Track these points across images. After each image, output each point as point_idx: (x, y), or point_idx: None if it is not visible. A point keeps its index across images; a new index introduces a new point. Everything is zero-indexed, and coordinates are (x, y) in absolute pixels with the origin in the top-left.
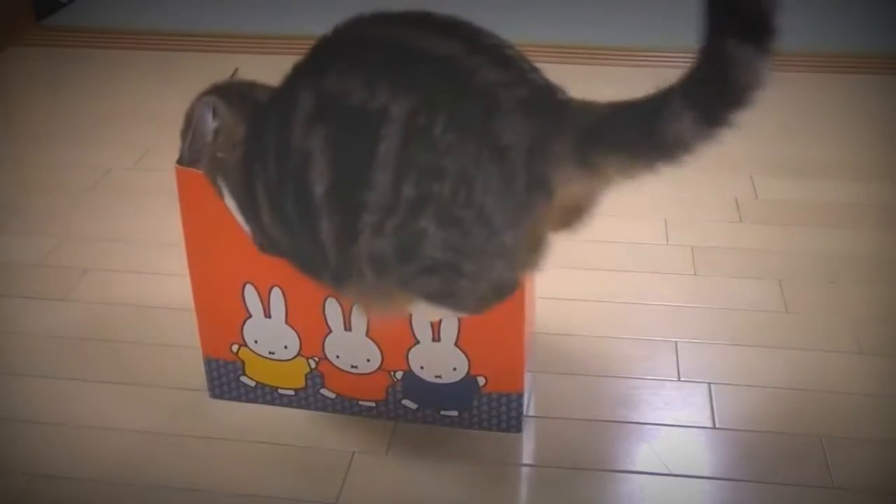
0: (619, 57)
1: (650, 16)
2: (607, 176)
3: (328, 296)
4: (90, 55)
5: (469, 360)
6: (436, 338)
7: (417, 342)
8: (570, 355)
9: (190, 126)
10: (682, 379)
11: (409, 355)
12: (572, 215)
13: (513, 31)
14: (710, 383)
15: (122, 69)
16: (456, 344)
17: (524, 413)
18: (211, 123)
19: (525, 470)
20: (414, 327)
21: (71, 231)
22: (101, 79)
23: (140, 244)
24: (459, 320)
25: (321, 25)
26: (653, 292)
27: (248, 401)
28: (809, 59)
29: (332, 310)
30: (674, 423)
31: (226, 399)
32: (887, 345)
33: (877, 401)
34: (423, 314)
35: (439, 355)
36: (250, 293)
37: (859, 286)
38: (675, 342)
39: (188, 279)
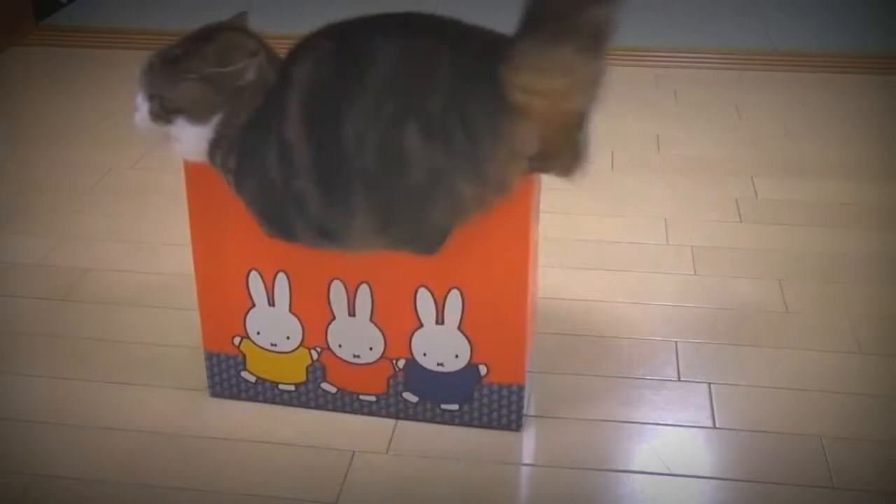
0: (619, 57)
1: (650, 16)
2: (558, 61)
3: (333, 278)
4: (90, 55)
5: (471, 346)
6: (439, 320)
7: (421, 325)
8: (570, 355)
9: (206, 43)
10: (682, 379)
11: (413, 340)
12: (562, 125)
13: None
14: (710, 383)
15: (122, 69)
16: (459, 328)
17: (524, 412)
18: (251, 76)
19: (525, 470)
20: (418, 309)
21: (71, 231)
22: (101, 79)
23: (140, 244)
24: (463, 303)
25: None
26: (653, 292)
27: (249, 397)
28: (809, 59)
29: (337, 294)
30: (674, 423)
31: (226, 396)
32: (887, 345)
33: (877, 401)
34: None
35: (442, 340)
36: (255, 280)
37: (859, 286)
38: (675, 342)
39: (188, 279)
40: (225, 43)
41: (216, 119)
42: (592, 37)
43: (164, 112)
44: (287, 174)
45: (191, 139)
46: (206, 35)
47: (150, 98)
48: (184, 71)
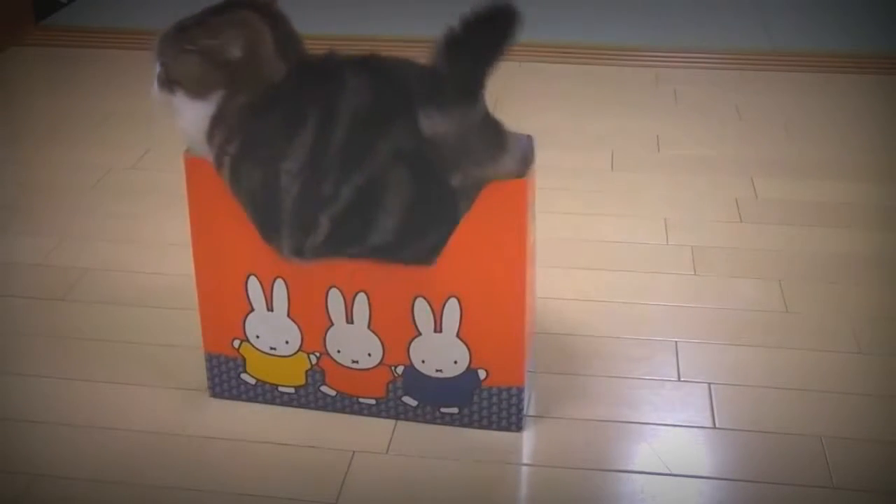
0: (620, 57)
1: (650, 16)
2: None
3: (331, 286)
4: (90, 55)
5: (470, 352)
6: (437, 329)
7: (419, 333)
8: (570, 355)
9: (214, 16)
10: (682, 379)
11: (411, 348)
12: None
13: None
14: (710, 383)
15: (122, 69)
16: (457, 335)
17: (524, 412)
18: (235, 53)
19: (525, 470)
20: (416, 318)
21: (71, 231)
22: (101, 79)
23: (140, 244)
24: (461, 310)
25: (321, 25)
26: (653, 292)
27: (249, 399)
28: (809, 59)
29: (335, 301)
30: (674, 423)
31: (226, 397)
32: (887, 345)
33: (877, 401)
34: None
35: (441, 347)
36: (253, 285)
37: (859, 286)
38: (675, 342)
39: (188, 279)
40: (230, 18)
41: (215, 97)
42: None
43: (166, 81)
44: (311, 183)
45: (190, 115)
46: (220, 7)
47: (161, 65)
48: (186, 40)
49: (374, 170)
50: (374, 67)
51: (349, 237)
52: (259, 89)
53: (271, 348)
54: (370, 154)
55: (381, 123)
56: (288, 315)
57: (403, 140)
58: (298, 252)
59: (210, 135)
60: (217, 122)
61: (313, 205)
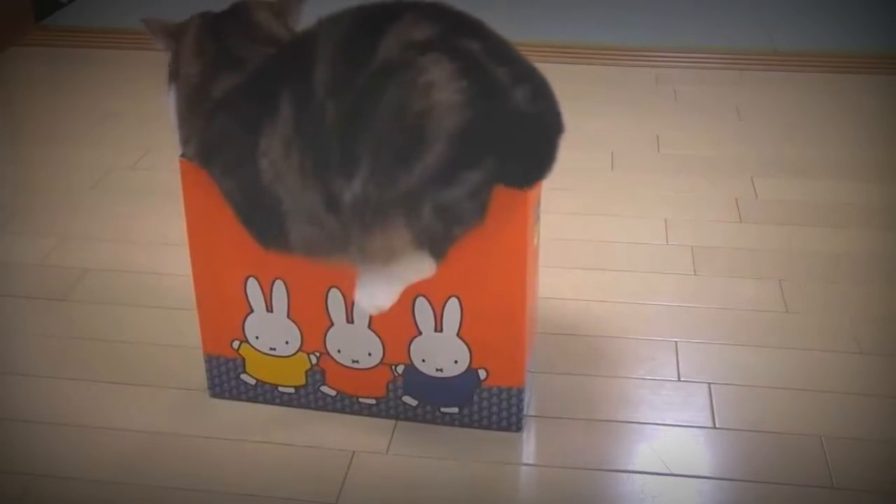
0: (620, 57)
1: (650, 16)
2: None
3: (331, 286)
4: (90, 55)
5: (471, 352)
6: (438, 328)
7: (420, 333)
8: (570, 355)
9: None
10: (682, 379)
11: (411, 347)
12: None
13: (515, 30)
14: (710, 383)
15: (122, 69)
16: (458, 334)
17: (524, 412)
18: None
19: (525, 470)
20: (416, 317)
21: (71, 231)
22: (101, 79)
23: (140, 244)
24: (462, 310)
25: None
26: (653, 292)
27: (249, 399)
28: (809, 59)
29: (335, 301)
30: (674, 423)
31: (226, 398)
32: (887, 345)
33: (877, 401)
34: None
35: (441, 347)
36: (252, 287)
37: (859, 286)
38: (675, 342)
39: (188, 279)
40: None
41: (171, 94)
42: None
43: None
44: (321, 124)
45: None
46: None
47: None
48: None
49: (386, 60)
50: (340, 16)
51: (395, 165)
52: (188, 87)
53: (271, 349)
54: (372, 54)
55: (376, 29)
56: (288, 316)
57: (417, 30)
58: (333, 206)
59: (181, 138)
60: (179, 119)
61: (344, 137)
